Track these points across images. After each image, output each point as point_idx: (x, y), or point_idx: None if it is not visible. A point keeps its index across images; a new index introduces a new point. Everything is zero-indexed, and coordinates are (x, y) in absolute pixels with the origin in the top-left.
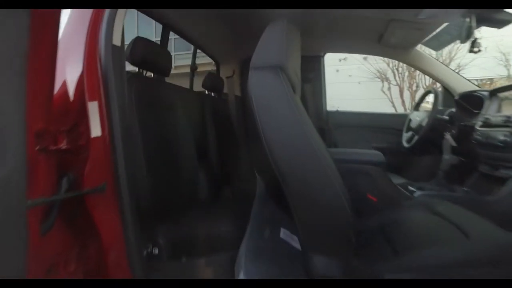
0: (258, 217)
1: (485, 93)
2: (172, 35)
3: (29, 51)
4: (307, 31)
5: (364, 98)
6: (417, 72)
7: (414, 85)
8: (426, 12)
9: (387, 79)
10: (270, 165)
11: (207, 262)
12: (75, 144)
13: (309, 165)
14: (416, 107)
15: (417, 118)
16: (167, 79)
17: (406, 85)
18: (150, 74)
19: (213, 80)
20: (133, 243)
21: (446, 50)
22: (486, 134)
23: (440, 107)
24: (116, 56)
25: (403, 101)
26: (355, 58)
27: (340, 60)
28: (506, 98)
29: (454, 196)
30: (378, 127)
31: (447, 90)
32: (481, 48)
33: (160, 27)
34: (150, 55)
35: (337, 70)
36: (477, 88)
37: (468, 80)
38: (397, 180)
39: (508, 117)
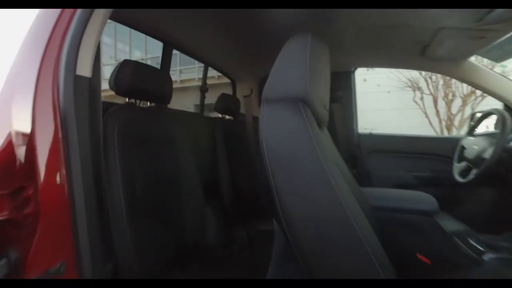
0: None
1: None
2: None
3: None
4: (335, 44)
5: (394, 108)
6: (453, 80)
7: (450, 94)
8: (494, 16)
9: (419, 88)
10: None
11: None
12: (19, 213)
13: (338, 235)
14: (471, 131)
15: (475, 146)
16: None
17: (440, 95)
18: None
19: (227, 101)
20: None
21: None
22: None
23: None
24: (81, 90)
25: (437, 111)
26: None
27: (367, 70)
28: None
29: None
30: (420, 153)
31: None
32: None
33: None
34: (141, 82)
35: (364, 80)
36: None
37: None
38: (450, 224)
39: None
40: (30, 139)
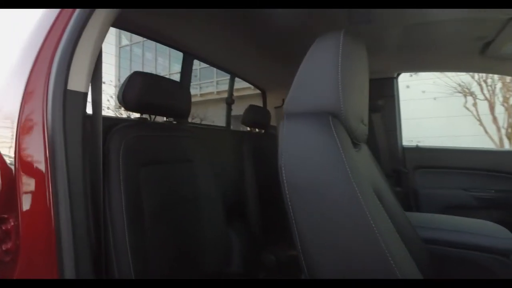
0: None
1: None
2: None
3: None
4: (375, 47)
5: (441, 116)
6: None
7: (511, 98)
8: None
9: (471, 93)
10: None
11: None
12: None
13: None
14: None
15: None
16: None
17: (498, 99)
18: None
19: (256, 114)
20: None
21: None
22: None
23: None
24: (73, 107)
25: (494, 118)
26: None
27: (411, 75)
28: None
29: None
30: (479, 169)
31: None
32: None
33: None
34: (153, 95)
35: (408, 86)
36: None
37: None
38: None
39: None
40: (9, 163)
